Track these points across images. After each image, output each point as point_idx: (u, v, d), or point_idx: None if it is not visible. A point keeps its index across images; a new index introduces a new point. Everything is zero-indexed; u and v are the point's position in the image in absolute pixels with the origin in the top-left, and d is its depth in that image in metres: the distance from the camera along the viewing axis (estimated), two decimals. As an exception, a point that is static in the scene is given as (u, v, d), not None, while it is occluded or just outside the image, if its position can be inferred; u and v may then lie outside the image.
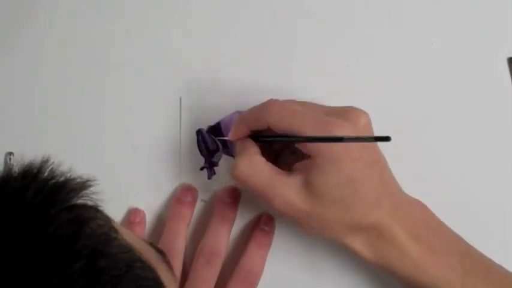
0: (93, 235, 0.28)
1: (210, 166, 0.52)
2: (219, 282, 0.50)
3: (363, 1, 0.54)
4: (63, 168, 0.30)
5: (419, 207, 0.47)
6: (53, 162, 0.30)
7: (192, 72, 0.53)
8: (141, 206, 0.53)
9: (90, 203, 0.30)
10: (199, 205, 0.52)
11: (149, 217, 0.53)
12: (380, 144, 0.51)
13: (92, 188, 0.30)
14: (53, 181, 0.29)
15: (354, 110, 0.45)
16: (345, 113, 0.45)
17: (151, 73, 0.54)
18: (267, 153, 0.47)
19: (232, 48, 0.54)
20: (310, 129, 0.43)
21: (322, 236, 0.47)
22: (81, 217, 0.29)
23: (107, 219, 0.31)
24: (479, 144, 0.52)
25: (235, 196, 0.51)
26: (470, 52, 0.53)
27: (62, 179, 0.29)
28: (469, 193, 0.52)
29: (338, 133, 0.43)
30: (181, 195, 0.51)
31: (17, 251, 0.27)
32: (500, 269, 0.47)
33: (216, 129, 0.51)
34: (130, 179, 0.53)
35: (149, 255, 0.32)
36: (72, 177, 0.30)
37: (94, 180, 0.31)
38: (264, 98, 0.48)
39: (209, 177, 0.52)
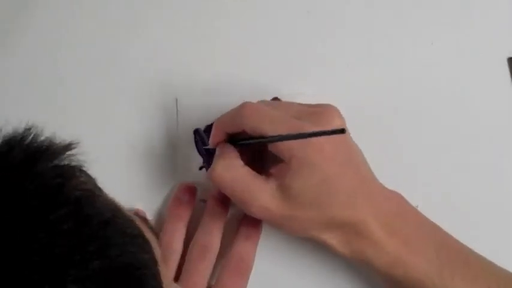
0: (76, 189, 0.29)
1: (208, 165, 0.52)
2: (213, 276, 0.50)
3: (363, 1, 0.54)
4: (47, 133, 0.31)
5: (396, 200, 0.47)
6: (36, 128, 0.30)
7: (187, 72, 0.53)
8: (139, 206, 0.53)
9: (74, 163, 0.31)
10: (198, 205, 0.52)
11: (148, 217, 0.53)
12: (377, 143, 0.51)
13: (75, 150, 0.31)
14: (37, 144, 0.30)
15: (327, 112, 0.46)
16: (319, 114, 0.45)
17: (146, 74, 0.54)
18: (245, 156, 0.47)
19: (230, 48, 0.54)
20: (282, 133, 0.44)
21: (300, 235, 0.48)
22: (65, 173, 0.29)
23: (91, 178, 0.32)
24: (479, 144, 0.52)
25: (189, 190, 0.51)
26: (470, 52, 0.53)
27: (46, 142, 0.30)
28: (469, 193, 0.52)
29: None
30: (180, 194, 0.52)
31: (3, 204, 0.27)
32: (478, 259, 0.47)
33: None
34: (129, 180, 0.53)
35: (130, 214, 0.33)
36: (55, 140, 0.31)
37: (78, 142, 0.31)
38: (261, 98, 0.48)
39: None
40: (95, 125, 0.54)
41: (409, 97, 0.53)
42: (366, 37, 0.54)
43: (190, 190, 0.52)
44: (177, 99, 0.53)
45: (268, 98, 0.52)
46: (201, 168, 0.52)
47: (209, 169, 0.47)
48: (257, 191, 0.45)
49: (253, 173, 0.46)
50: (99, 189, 0.32)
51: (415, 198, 0.51)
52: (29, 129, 0.30)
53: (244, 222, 0.51)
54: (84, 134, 0.51)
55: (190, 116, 0.52)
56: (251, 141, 0.46)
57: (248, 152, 0.48)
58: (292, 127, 0.44)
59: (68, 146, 0.31)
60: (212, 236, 0.50)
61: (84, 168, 0.31)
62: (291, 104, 0.48)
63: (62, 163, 0.30)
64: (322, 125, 0.44)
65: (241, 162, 0.46)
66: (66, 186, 0.29)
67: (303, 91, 0.52)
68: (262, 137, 0.45)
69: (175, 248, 0.50)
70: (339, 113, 0.46)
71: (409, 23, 0.54)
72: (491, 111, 0.53)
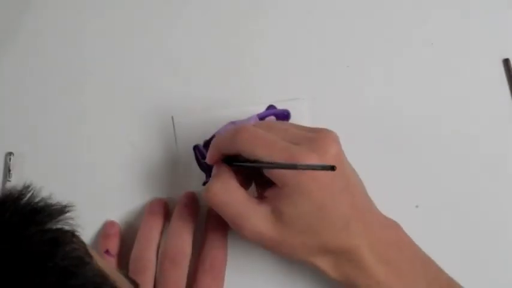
0: (66, 256, 0.29)
1: None
2: (188, 280, 0.49)
3: (363, 1, 0.54)
4: (43, 193, 0.31)
5: (392, 228, 0.47)
6: (34, 188, 0.30)
7: (182, 90, 0.53)
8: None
9: (67, 227, 0.31)
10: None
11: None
12: (377, 143, 0.52)
13: (70, 214, 0.31)
14: (32, 205, 0.30)
15: (324, 138, 0.45)
16: (316, 141, 0.44)
17: (142, 93, 0.54)
18: (240, 176, 0.47)
19: (229, 48, 0.54)
20: (275, 158, 0.44)
21: (291, 259, 0.48)
22: (56, 239, 0.29)
23: (83, 244, 0.31)
24: (476, 145, 0.52)
25: (194, 198, 0.51)
26: (468, 53, 0.53)
27: (41, 203, 0.30)
28: (468, 193, 0.52)
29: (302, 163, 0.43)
30: (152, 207, 0.52)
31: None
32: None
33: None
34: (133, 203, 0.53)
35: (123, 284, 0.33)
36: (51, 202, 0.30)
37: (72, 206, 0.31)
38: (257, 106, 0.49)
39: None
40: (92, 147, 0.53)
41: (409, 97, 0.53)
42: (366, 37, 0.54)
43: (162, 203, 0.52)
44: (173, 117, 0.52)
45: (264, 106, 0.52)
46: (204, 184, 0.52)
47: (204, 189, 0.46)
48: (250, 215, 0.45)
49: (248, 196, 0.46)
50: (90, 256, 0.31)
51: (415, 198, 0.52)
52: (27, 187, 0.30)
53: (210, 223, 0.51)
54: (81, 154, 0.52)
55: (187, 132, 0.52)
56: (246, 164, 0.46)
57: (243, 173, 0.47)
58: (287, 153, 0.43)
59: (63, 209, 0.31)
60: (183, 242, 0.49)
61: (76, 233, 0.31)
62: (287, 127, 0.47)
63: (55, 227, 0.30)
64: (318, 152, 0.43)
65: (236, 184, 0.46)
66: (57, 253, 0.28)
67: (298, 96, 0.52)
68: (257, 161, 0.44)
69: (150, 259, 0.50)
70: (336, 139, 0.45)
71: (409, 23, 0.54)
72: (489, 111, 0.53)
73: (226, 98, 0.53)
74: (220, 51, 0.54)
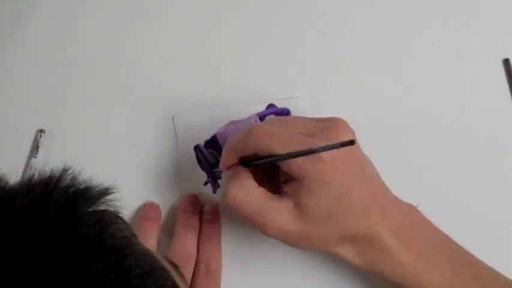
0: (115, 237, 0.29)
1: (213, 180, 0.52)
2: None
3: (363, 1, 0.54)
4: (84, 176, 0.30)
5: (409, 211, 0.48)
6: (74, 171, 0.30)
7: (182, 90, 0.53)
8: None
9: (110, 209, 0.31)
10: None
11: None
12: (377, 143, 0.52)
13: (112, 195, 0.31)
14: (75, 187, 0.30)
15: (336, 126, 0.45)
16: (328, 129, 0.45)
17: (143, 93, 0.54)
18: (257, 177, 0.47)
19: (229, 48, 0.54)
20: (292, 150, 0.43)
21: (315, 250, 0.48)
22: (103, 220, 0.29)
23: (127, 225, 0.32)
24: (476, 144, 0.53)
25: (195, 202, 0.52)
26: (468, 53, 0.53)
27: (83, 185, 0.30)
28: (468, 193, 0.52)
29: (320, 153, 0.43)
30: (145, 213, 0.52)
31: (46, 252, 0.27)
32: (490, 271, 0.47)
33: (213, 143, 0.51)
34: (133, 198, 0.53)
35: (165, 264, 0.33)
36: (92, 184, 0.31)
37: (114, 187, 0.31)
38: (257, 104, 0.49)
39: (214, 191, 0.52)
40: (90, 127, 0.54)
41: (409, 97, 0.53)
42: (366, 37, 0.54)
43: (155, 207, 0.52)
44: (173, 117, 0.52)
45: (264, 105, 0.52)
46: (206, 183, 0.52)
47: (223, 193, 0.46)
48: (273, 212, 0.45)
49: (268, 193, 0.46)
50: (135, 236, 0.32)
51: (415, 198, 0.51)
52: (66, 170, 0.30)
53: (203, 222, 0.51)
54: (79, 155, 0.52)
55: (188, 132, 0.52)
56: (263, 160, 0.45)
57: (260, 173, 0.47)
58: (302, 144, 0.43)
59: (106, 191, 0.31)
60: (188, 247, 0.50)
61: (120, 215, 0.31)
62: (297, 120, 0.47)
63: (100, 209, 0.30)
64: (332, 140, 0.43)
65: (254, 183, 0.46)
66: (105, 234, 0.29)
67: (298, 95, 0.53)
68: (273, 155, 0.44)
69: None
70: (347, 125, 0.46)
71: (409, 23, 0.54)
72: (489, 111, 0.53)
73: (226, 97, 0.53)
74: (220, 52, 0.54)
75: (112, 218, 0.30)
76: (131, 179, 0.53)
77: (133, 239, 0.31)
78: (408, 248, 0.45)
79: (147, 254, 0.31)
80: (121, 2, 0.56)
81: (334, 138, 0.44)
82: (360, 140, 0.51)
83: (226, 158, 0.47)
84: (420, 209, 0.51)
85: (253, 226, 0.46)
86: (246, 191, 0.45)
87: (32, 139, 0.53)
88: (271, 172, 0.47)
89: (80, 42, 0.55)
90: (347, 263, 0.46)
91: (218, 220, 0.52)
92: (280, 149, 0.44)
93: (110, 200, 0.31)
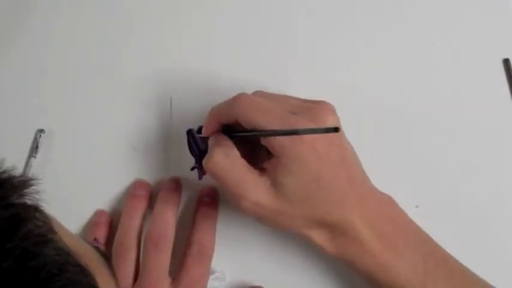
0: (27, 236, 0.28)
1: (200, 166, 0.51)
2: (177, 264, 0.50)
3: (362, 1, 0.54)
4: (6, 165, 0.30)
5: (388, 203, 0.47)
6: None
7: (183, 71, 0.53)
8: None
9: (30, 202, 0.30)
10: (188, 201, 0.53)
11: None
12: (377, 143, 0.52)
13: (34, 187, 0.30)
14: None
15: (322, 108, 0.45)
16: (313, 110, 0.45)
17: (142, 72, 0.54)
18: (240, 149, 0.46)
19: (227, 48, 0.54)
20: (273, 126, 0.43)
21: (288, 231, 0.48)
22: (18, 216, 0.28)
23: (46, 219, 0.30)
24: (476, 144, 0.52)
25: (178, 183, 0.52)
26: (468, 52, 0.53)
27: (4, 176, 0.29)
28: (467, 193, 0.52)
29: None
30: (135, 190, 0.52)
31: None
32: (464, 271, 0.47)
33: None
34: (120, 175, 0.53)
35: (89, 258, 0.32)
36: (13, 175, 0.30)
37: (36, 179, 0.30)
38: None
39: (200, 178, 0.52)
40: (88, 122, 0.54)
41: (409, 97, 0.53)
42: (366, 37, 0.54)
43: (145, 185, 0.52)
44: (171, 98, 0.52)
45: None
46: (192, 169, 0.52)
47: (206, 157, 0.46)
48: (251, 187, 0.45)
49: (249, 166, 0.45)
50: (53, 232, 0.30)
51: (415, 198, 0.52)
52: None
53: (201, 202, 0.51)
54: (76, 131, 0.53)
55: (184, 114, 0.53)
56: (244, 133, 0.45)
57: (241, 145, 0.47)
58: (286, 121, 0.43)
59: (27, 182, 0.30)
60: (167, 225, 0.50)
61: (40, 208, 0.30)
62: (286, 98, 0.48)
63: (18, 201, 0.29)
64: (316, 121, 0.44)
65: (238, 153, 0.46)
66: (17, 233, 0.28)
67: (293, 87, 0.52)
68: (256, 130, 0.44)
69: (132, 241, 0.50)
70: (334, 109, 0.46)
71: (409, 23, 0.54)
72: (488, 111, 0.53)
73: (225, 86, 0.53)
74: (221, 49, 0.54)
75: (30, 212, 0.29)
76: (131, 179, 0.53)
77: (50, 235, 0.30)
78: (382, 240, 0.45)
79: (61, 253, 0.29)
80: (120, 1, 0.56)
81: (318, 120, 0.44)
82: (359, 141, 0.51)
83: (210, 123, 0.47)
84: (420, 209, 0.51)
85: (229, 196, 0.46)
86: (230, 159, 0.45)
87: (31, 139, 0.53)
88: (251, 146, 0.47)
89: (80, 42, 0.55)
90: (319, 248, 0.46)
91: (216, 203, 0.52)
92: (262, 122, 0.44)
93: (32, 192, 0.30)
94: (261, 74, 0.54)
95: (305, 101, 0.47)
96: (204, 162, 0.46)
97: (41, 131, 0.53)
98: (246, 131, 0.45)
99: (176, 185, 0.52)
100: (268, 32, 0.54)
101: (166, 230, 0.49)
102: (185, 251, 0.50)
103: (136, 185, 0.52)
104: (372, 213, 0.45)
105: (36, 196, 0.30)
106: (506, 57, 0.53)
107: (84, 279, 0.30)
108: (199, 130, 0.51)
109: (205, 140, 0.50)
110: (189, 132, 0.51)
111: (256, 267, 0.52)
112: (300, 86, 0.53)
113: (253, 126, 0.44)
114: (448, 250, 0.48)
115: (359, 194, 0.45)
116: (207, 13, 0.55)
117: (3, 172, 0.29)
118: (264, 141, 0.45)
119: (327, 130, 0.39)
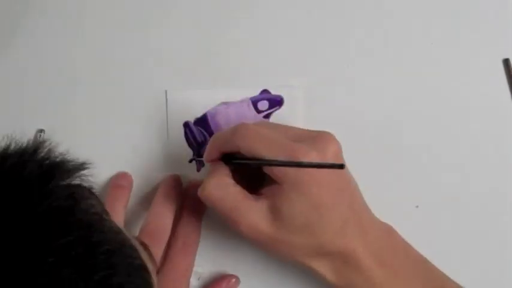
0: (87, 212, 0.29)
1: (198, 157, 0.52)
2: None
3: (362, 1, 0.54)
4: (61, 149, 0.31)
5: (387, 232, 0.47)
6: (51, 143, 0.30)
7: (178, 65, 0.53)
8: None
9: (84, 184, 0.31)
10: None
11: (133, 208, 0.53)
12: (376, 143, 0.52)
13: (87, 171, 0.31)
14: (50, 160, 0.30)
15: (324, 138, 0.45)
16: (315, 139, 0.45)
17: (137, 67, 0.54)
18: (239, 175, 0.47)
19: (226, 45, 0.54)
20: (276, 155, 0.43)
21: (287, 260, 0.48)
22: (76, 194, 0.29)
23: (99, 201, 0.32)
24: (476, 144, 0.52)
25: (178, 181, 0.52)
26: (468, 53, 0.53)
27: (59, 158, 0.30)
28: (467, 193, 0.52)
29: (303, 160, 0.43)
30: (117, 180, 0.52)
31: (16, 222, 0.27)
32: None
33: (202, 121, 0.52)
34: (117, 169, 0.53)
35: (135, 242, 0.33)
36: (68, 158, 0.31)
37: (90, 163, 0.31)
38: (251, 91, 0.49)
39: (198, 170, 0.52)
40: (88, 122, 0.54)
41: (409, 97, 0.53)
42: (366, 37, 0.54)
43: (127, 177, 0.52)
44: (166, 91, 0.53)
45: (258, 90, 0.52)
46: (191, 161, 0.52)
47: (201, 186, 0.46)
48: (247, 210, 0.45)
49: (244, 192, 0.46)
50: (107, 213, 0.32)
51: (415, 198, 0.52)
52: (43, 142, 0.30)
53: (188, 197, 0.51)
54: (76, 131, 0.53)
55: (179, 107, 0.53)
56: (246, 161, 0.45)
57: (242, 171, 0.47)
58: (288, 150, 0.43)
59: (81, 166, 0.31)
60: (165, 221, 0.50)
61: (93, 191, 0.32)
62: (288, 128, 0.48)
63: (74, 182, 0.30)
64: (318, 150, 0.44)
65: (232, 181, 0.46)
66: (77, 208, 0.29)
67: (291, 83, 0.53)
68: (258, 158, 0.44)
69: None
70: (335, 139, 0.46)
71: (409, 23, 0.54)
72: (488, 111, 0.53)
73: (223, 77, 0.53)
74: (220, 48, 0.54)
75: (85, 193, 0.31)
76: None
77: (105, 215, 0.31)
78: (384, 267, 0.45)
79: (118, 231, 0.31)
80: (121, 2, 0.56)
81: (319, 147, 0.44)
82: (359, 141, 0.51)
83: (210, 152, 0.48)
84: (420, 209, 0.51)
85: (227, 223, 0.46)
86: (222, 188, 0.45)
87: (32, 139, 0.53)
88: (252, 172, 0.47)
89: (80, 41, 0.55)
90: (321, 279, 0.46)
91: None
92: (264, 152, 0.44)
93: (85, 175, 0.31)
94: (261, 74, 0.54)
95: (307, 131, 0.47)
96: (198, 191, 0.46)
97: (41, 131, 0.53)
98: (248, 158, 0.45)
99: (176, 183, 0.52)
100: (267, 31, 0.54)
101: (164, 225, 0.50)
102: (170, 243, 0.50)
103: (118, 176, 0.52)
104: (373, 241, 0.46)
105: (90, 178, 0.31)
106: (506, 57, 0.53)
107: (135, 262, 0.31)
108: (196, 122, 0.51)
109: (202, 131, 0.50)
110: (186, 125, 0.52)
111: (240, 261, 0.52)
112: (299, 86, 0.53)
113: (256, 156, 0.44)
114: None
115: (359, 222, 0.46)
116: (207, 12, 0.55)
117: (58, 155, 0.30)
118: (266, 168, 0.45)
119: (333, 166, 0.40)
